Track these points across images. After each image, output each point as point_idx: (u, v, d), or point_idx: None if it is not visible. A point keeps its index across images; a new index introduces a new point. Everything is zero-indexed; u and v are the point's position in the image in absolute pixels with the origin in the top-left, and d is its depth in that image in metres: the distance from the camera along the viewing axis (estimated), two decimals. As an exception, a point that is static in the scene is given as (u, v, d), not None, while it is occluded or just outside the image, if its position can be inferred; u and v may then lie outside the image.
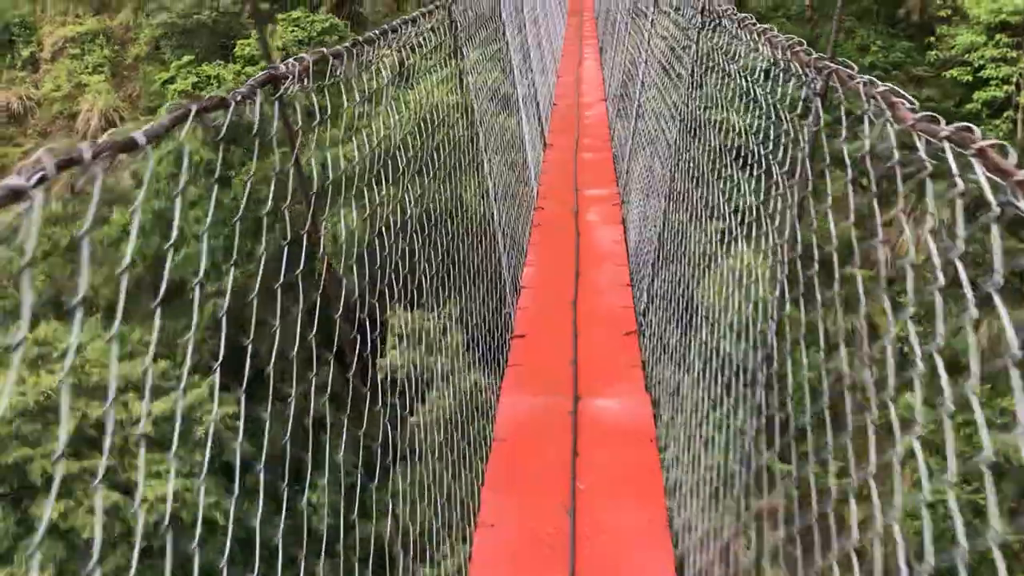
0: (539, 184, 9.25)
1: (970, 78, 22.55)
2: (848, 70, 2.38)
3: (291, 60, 2.27)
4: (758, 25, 3.40)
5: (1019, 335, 1.38)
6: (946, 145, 1.65)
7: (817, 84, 2.62)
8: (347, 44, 2.67)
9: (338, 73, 2.62)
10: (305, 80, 2.29)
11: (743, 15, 3.76)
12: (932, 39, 23.84)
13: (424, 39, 4.09)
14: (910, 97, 1.95)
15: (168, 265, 1.79)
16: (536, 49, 11.76)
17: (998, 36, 22.28)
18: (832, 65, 2.50)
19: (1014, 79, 22.01)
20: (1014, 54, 22.14)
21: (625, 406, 4.82)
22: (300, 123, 2.37)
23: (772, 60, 3.13)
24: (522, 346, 5.53)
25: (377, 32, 3.08)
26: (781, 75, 3.02)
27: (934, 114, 1.78)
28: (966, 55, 22.55)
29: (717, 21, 4.39)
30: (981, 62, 22.33)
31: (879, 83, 2.10)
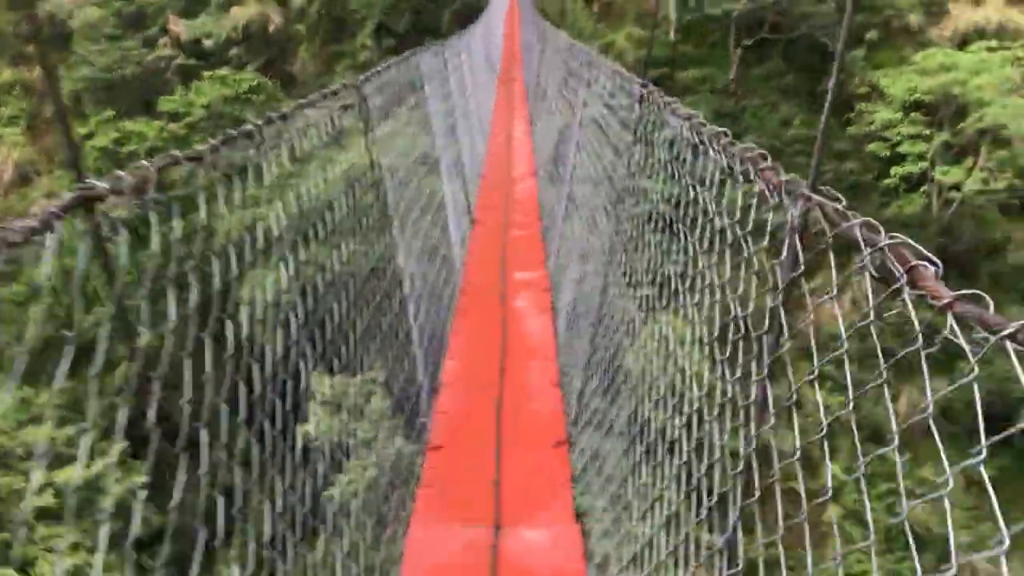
0: (464, 265, 8.70)
1: (888, 153, 23.57)
2: (834, 203, 1.89)
3: (125, 172, 1.84)
4: (710, 127, 2.96)
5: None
6: (1008, 346, 1.26)
7: (794, 214, 2.09)
8: (213, 143, 2.24)
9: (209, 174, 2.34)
10: (148, 190, 1.87)
11: (690, 112, 3.35)
12: (851, 115, 24.92)
13: (331, 121, 3.57)
14: (929, 254, 1.50)
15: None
16: (463, 121, 11.46)
17: (913, 114, 23.41)
18: (812, 195, 2.00)
19: (929, 155, 23.08)
20: (928, 132, 23.25)
21: (553, 539, 4.34)
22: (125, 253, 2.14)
23: (727, 168, 2.68)
24: (438, 461, 5.00)
25: (263, 121, 2.65)
26: (739, 187, 2.57)
27: (977, 292, 1.36)
28: (884, 131, 23.60)
29: (657, 114, 4.03)
30: (898, 138, 23.39)
31: (881, 228, 1.64)
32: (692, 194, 3.17)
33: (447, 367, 6.18)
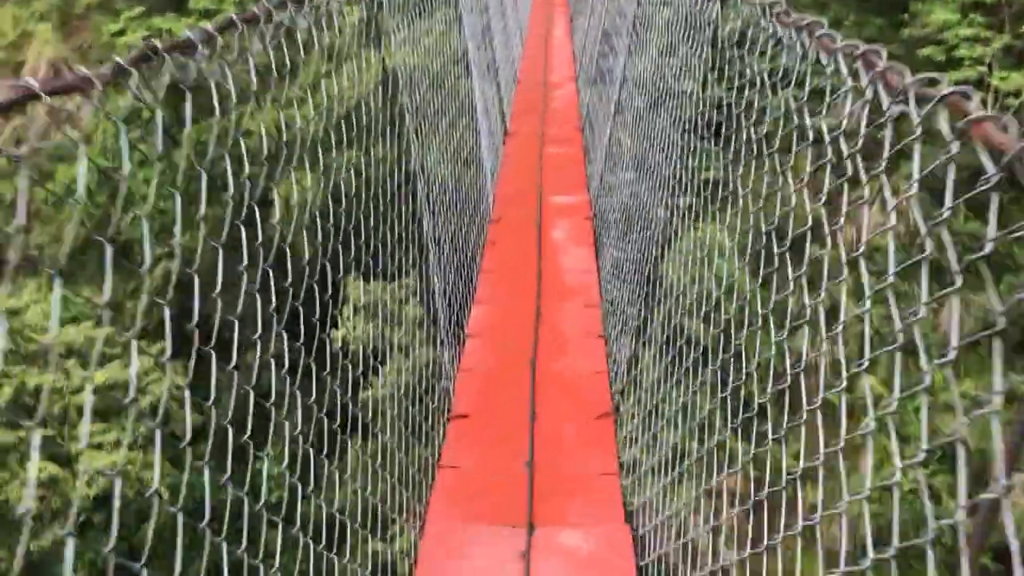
0: (495, 186, 7.72)
1: (943, 58, 22.81)
2: None
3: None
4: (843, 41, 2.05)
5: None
6: None
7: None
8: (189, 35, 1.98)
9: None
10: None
11: (810, 19, 2.33)
12: (905, 16, 24.05)
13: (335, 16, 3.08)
14: None
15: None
16: (498, 18, 10.55)
17: (972, 15, 22.54)
18: None
19: (987, 60, 22.31)
20: (988, 34, 22.42)
21: (598, 544, 3.54)
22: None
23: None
24: (461, 434, 4.24)
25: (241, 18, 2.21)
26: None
27: None
28: (940, 33, 22.79)
29: (746, 14, 3.06)
30: (955, 41, 22.58)
31: None
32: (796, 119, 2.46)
33: (474, 314, 5.44)
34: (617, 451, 4.07)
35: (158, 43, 1.78)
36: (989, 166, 1.36)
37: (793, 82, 2.44)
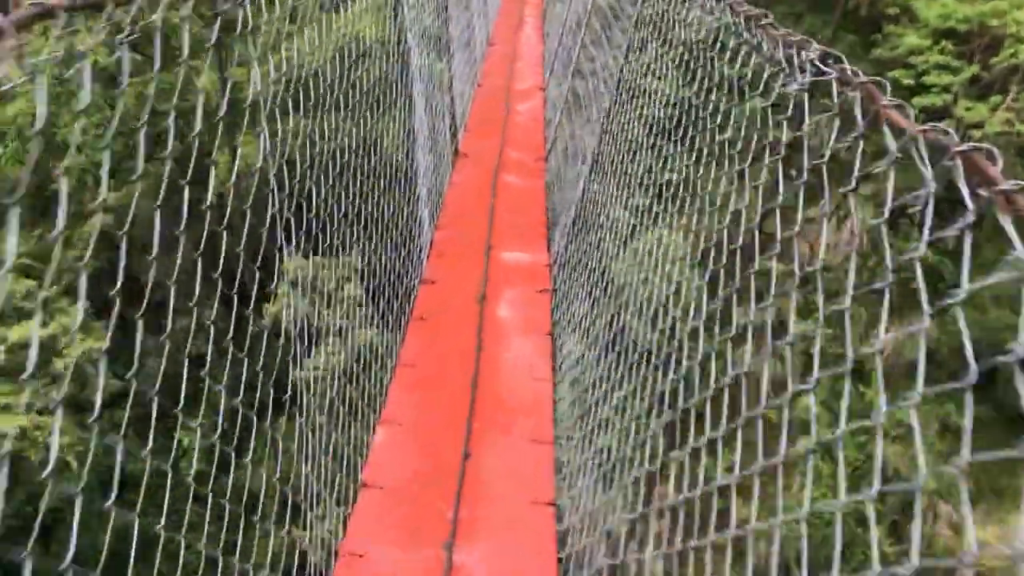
0: (434, 229, 6.11)
1: (912, 82, 23.26)
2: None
3: None
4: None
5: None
6: None
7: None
8: None
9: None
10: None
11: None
12: (878, 36, 24.50)
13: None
14: None
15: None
16: (463, 11, 9.06)
17: (944, 43, 23.03)
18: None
19: (954, 89, 22.80)
20: (957, 63, 22.91)
21: None
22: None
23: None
24: None
25: None
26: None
27: None
28: (910, 57, 23.24)
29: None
30: (924, 67, 23.05)
31: None
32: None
33: (378, 442, 3.90)
34: None
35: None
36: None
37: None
